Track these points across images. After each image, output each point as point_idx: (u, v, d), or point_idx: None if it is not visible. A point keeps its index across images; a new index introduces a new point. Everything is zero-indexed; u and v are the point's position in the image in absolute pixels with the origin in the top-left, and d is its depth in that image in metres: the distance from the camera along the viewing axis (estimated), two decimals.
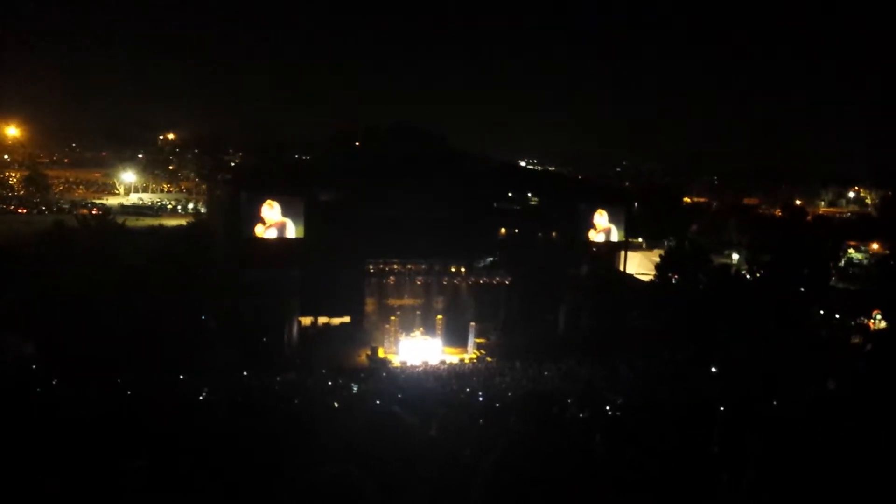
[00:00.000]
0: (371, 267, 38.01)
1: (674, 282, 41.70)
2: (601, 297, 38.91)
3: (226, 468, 5.46)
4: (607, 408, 16.48)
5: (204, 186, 75.70)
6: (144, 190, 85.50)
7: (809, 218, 72.85)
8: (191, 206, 76.14)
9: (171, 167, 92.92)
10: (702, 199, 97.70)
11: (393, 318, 37.36)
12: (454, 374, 30.97)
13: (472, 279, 39.90)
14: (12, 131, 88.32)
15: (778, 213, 78.88)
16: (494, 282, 40.20)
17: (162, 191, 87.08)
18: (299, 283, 35.25)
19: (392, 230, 36.89)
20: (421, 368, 33.18)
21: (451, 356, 36.12)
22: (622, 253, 42.95)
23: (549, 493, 2.80)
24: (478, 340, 37.53)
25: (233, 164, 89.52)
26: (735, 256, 59.62)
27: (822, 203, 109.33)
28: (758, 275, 44.10)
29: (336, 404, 16.40)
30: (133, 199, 79.81)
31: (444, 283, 39.27)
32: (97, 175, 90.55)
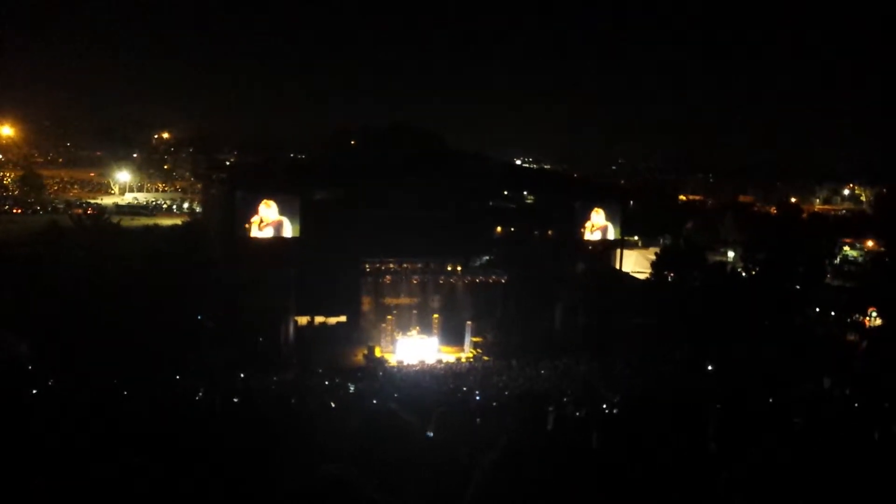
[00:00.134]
0: (367, 266, 37.95)
1: (670, 280, 41.75)
2: (597, 295, 38.92)
3: (223, 467, 5.46)
4: (604, 405, 16.52)
5: (199, 186, 75.50)
6: (139, 189, 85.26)
7: (805, 215, 73.03)
8: (186, 205, 75.96)
9: (166, 166, 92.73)
10: (697, 197, 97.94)
11: (389, 317, 37.33)
12: (451, 373, 30.98)
13: (469, 278, 39.86)
14: (7, 131, 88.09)
15: (773, 210, 79.10)
16: (491, 280, 40.18)
17: (157, 190, 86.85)
18: (296, 282, 35.17)
19: (388, 229, 36.87)
20: (418, 367, 33.17)
21: (448, 355, 36.10)
22: (618, 251, 42.95)
23: (546, 493, 2.81)
24: (474, 339, 37.51)
25: (228, 163, 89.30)
26: (730, 254, 59.63)
27: (818, 201, 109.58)
28: (753, 272, 44.14)
29: (333, 404, 16.39)
30: (128, 198, 79.58)
31: (441, 281, 39.24)
32: (92, 174, 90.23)
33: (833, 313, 40.94)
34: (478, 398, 21.09)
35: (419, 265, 39.10)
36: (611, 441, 6.47)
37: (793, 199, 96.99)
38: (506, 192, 46.00)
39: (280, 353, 33.76)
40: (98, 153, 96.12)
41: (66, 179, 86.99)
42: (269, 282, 33.85)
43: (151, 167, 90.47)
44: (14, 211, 65.13)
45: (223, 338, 31.04)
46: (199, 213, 66.25)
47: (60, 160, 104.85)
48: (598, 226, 40.88)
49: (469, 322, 37.48)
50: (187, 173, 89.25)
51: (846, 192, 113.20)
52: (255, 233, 34.66)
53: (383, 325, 37.08)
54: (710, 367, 29.00)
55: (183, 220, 59.56)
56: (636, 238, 63.53)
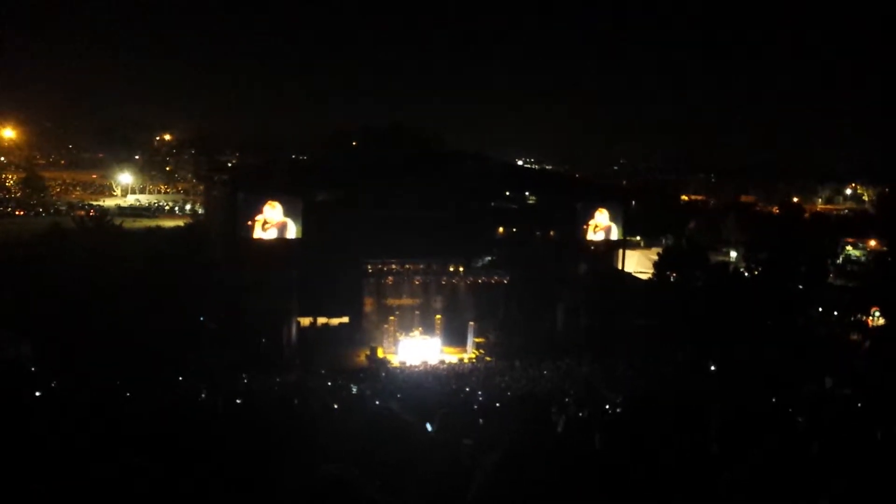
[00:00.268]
0: (369, 267, 37.97)
1: (672, 280, 41.73)
2: (599, 296, 38.92)
3: (225, 468, 5.46)
4: (606, 406, 16.49)
5: (201, 187, 75.58)
6: (141, 191, 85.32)
7: (807, 215, 72.99)
8: (188, 207, 76.02)
9: (167, 168, 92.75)
10: (699, 197, 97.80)
11: (392, 317, 37.34)
12: (453, 374, 30.98)
13: (471, 278, 39.87)
14: (8, 133, 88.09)
15: (775, 210, 79.01)
16: (493, 281, 40.18)
17: (159, 192, 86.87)
18: (298, 283, 35.20)
19: (390, 230, 36.91)
20: (420, 368, 33.18)
21: (450, 356, 36.11)
22: (620, 251, 42.96)
23: (548, 494, 2.80)
24: (477, 340, 37.52)
25: (230, 164, 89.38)
26: (733, 254, 59.60)
27: (820, 200, 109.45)
28: (756, 272, 44.12)
29: (336, 405, 16.39)
30: (130, 200, 79.65)
31: (443, 282, 39.24)
32: (94, 176, 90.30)
33: (836, 313, 40.90)
34: (480, 399, 21.08)
35: (421, 266, 39.12)
36: (613, 442, 6.46)
37: (795, 199, 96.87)
38: (507, 193, 46.02)
39: (282, 354, 33.78)
40: (100, 155, 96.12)
41: (68, 181, 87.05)
42: (272, 283, 33.89)
43: (153, 169, 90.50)
44: (16, 213, 65.19)
45: (225, 339, 31.07)
46: (201, 214, 66.31)
47: (62, 162, 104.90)
48: (601, 226, 40.87)
49: (471, 323, 37.48)
50: (189, 175, 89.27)
51: (848, 191, 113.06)
52: (257, 234, 34.67)
53: (386, 325, 37.10)
54: (712, 368, 28.98)
55: (185, 221, 59.66)
56: (638, 238, 63.51)
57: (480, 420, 10.89)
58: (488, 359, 35.06)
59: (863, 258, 58.46)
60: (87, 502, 4.53)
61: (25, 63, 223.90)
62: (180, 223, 57.75)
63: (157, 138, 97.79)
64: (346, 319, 38.63)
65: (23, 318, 26.15)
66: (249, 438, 7.28)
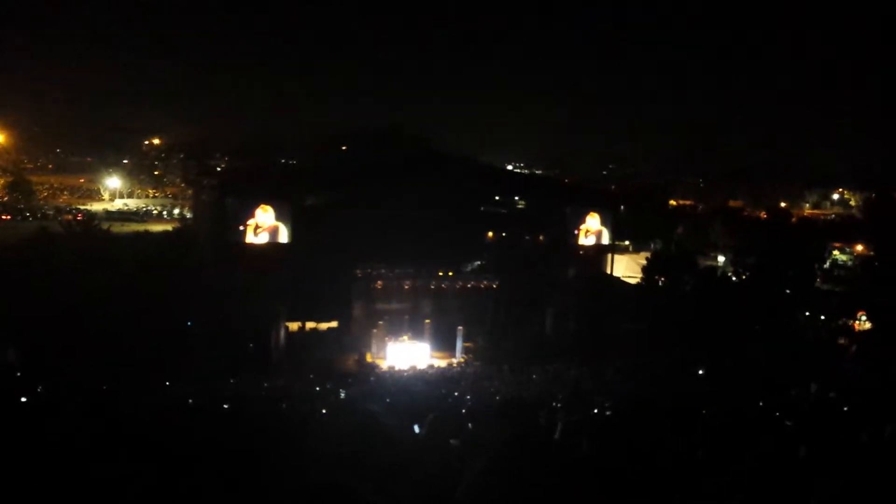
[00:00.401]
0: (358, 271, 37.93)
1: (660, 284, 41.89)
2: (588, 301, 39.00)
3: (214, 473, 5.44)
4: (595, 410, 16.51)
5: (190, 191, 75.37)
6: (129, 195, 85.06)
7: (794, 220, 73.41)
8: (176, 211, 75.82)
9: (156, 172, 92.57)
10: (687, 202, 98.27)
11: (381, 322, 37.29)
12: (442, 379, 30.95)
13: (460, 283, 39.88)
14: None
15: (763, 215, 79.44)
16: (482, 286, 40.21)
17: (147, 196, 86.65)
18: (286, 288, 35.11)
19: (379, 234, 36.85)
20: (409, 373, 33.14)
21: (439, 360, 36.08)
22: (609, 256, 43.08)
23: (536, 497, 2.81)
24: (466, 344, 37.51)
25: (219, 168, 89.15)
26: (721, 259, 59.93)
27: (807, 205, 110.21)
28: (743, 277, 44.37)
29: (324, 410, 16.35)
30: (118, 204, 79.35)
31: (432, 287, 39.22)
32: (82, 180, 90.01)
33: (823, 317, 41.14)
34: (469, 403, 21.07)
35: (410, 270, 39.11)
36: (602, 446, 6.47)
37: (782, 204, 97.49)
38: (497, 197, 46.03)
39: (270, 358, 33.68)
40: (88, 159, 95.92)
41: (55, 185, 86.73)
42: (260, 287, 33.79)
43: (142, 173, 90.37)
44: (3, 217, 64.83)
45: (213, 344, 30.96)
46: (189, 219, 66.12)
47: (50, 166, 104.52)
48: (592, 230, 41.00)
49: (460, 327, 37.46)
50: (178, 179, 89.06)
51: (835, 196, 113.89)
52: (249, 238, 34.58)
53: (374, 330, 37.03)
54: (700, 372, 29.08)
55: (173, 225, 59.49)
56: (627, 243, 63.75)
57: (469, 424, 10.89)
58: (477, 363, 35.04)
59: (850, 263, 58.90)
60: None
61: (13, 66, 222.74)
62: (169, 228, 57.54)
63: (146, 142, 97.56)
64: (334, 324, 38.54)
65: (8, 323, 25.96)
66: (238, 443, 7.26)
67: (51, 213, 66.84)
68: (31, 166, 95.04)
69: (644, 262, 44.28)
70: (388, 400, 20.37)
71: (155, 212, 76.13)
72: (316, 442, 5.70)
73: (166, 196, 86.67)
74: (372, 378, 31.17)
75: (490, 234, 45.57)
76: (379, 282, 38.36)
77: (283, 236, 34.97)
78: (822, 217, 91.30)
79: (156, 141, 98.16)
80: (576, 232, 40.69)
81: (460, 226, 41.17)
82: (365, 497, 2.60)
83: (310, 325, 38.13)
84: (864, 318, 39.78)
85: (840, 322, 40.55)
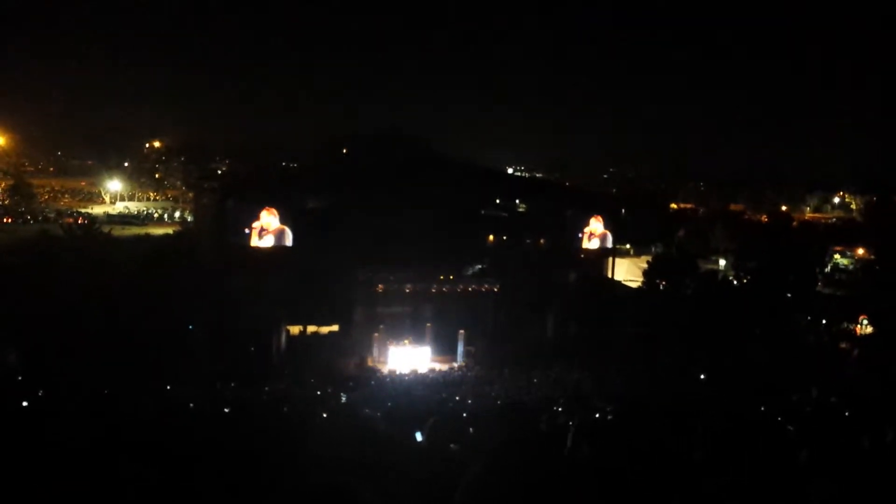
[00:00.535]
0: (359, 275, 37.91)
1: (661, 288, 41.88)
2: (589, 304, 38.99)
3: (215, 477, 5.44)
4: (596, 414, 16.50)
5: (191, 195, 75.39)
6: (130, 198, 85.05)
7: (795, 224, 73.49)
8: (177, 214, 75.83)
9: (157, 175, 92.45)
10: (688, 206, 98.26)
11: (382, 326, 37.26)
12: (443, 382, 30.94)
13: (461, 287, 39.86)
14: None
15: (764, 219, 79.46)
16: (483, 289, 40.17)
17: (148, 199, 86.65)
18: (287, 291, 35.11)
19: (380, 237, 36.87)
20: (410, 377, 33.11)
21: (441, 364, 36.05)
22: (610, 259, 43.09)
23: (535, 500, 2.80)
24: (467, 348, 37.47)
25: (219, 171, 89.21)
26: (722, 262, 59.89)
27: (808, 209, 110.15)
28: (744, 281, 44.36)
29: (325, 414, 16.34)
30: (119, 207, 79.39)
31: (433, 290, 39.18)
32: (83, 184, 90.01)
33: (824, 321, 41.11)
34: (470, 407, 21.06)
35: (412, 274, 39.09)
36: (602, 449, 6.47)
37: (783, 208, 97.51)
38: (498, 201, 46.07)
39: (271, 362, 33.66)
40: (89, 162, 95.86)
41: (56, 188, 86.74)
42: (261, 291, 33.80)
43: (142, 176, 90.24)
44: (4, 220, 64.84)
45: (214, 347, 30.97)
46: (190, 222, 66.12)
47: (51, 169, 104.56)
48: (597, 233, 41.03)
49: (461, 331, 37.43)
50: (178, 182, 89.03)
51: (836, 200, 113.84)
52: (254, 241, 34.60)
53: (375, 334, 36.99)
54: (702, 376, 29.07)
55: (174, 229, 59.50)
56: (628, 246, 63.74)
57: (471, 429, 10.88)
58: (478, 367, 35.01)
59: (851, 267, 58.84)
60: None
61: (13, 69, 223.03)
62: (169, 231, 57.61)
63: (147, 145, 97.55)
64: (335, 328, 38.51)
65: (10, 325, 25.99)
66: (239, 446, 7.27)
67: (52, 216, 66.86)
68: (32, 169, 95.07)
69: (645, 265, 44.30)
70: (388, 404, 20.36)
71: (156, 215, 76.16)
72: (316, 446, 5.70)
73: (167, 199, 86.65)
74: (373, 382, 31.16)
75: (491, 237, 45.60)
76: (380, 285, 38.34)
77: (289, 239, 35.01)
78: (823, 221, 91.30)
79: (156, 144, 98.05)
80: (580, 235, 40.69)
81: (461, 229, 41.22)
82: (365, 499, 2.60)
83: (311, 328, 38.10)
84: (865, 322, 39.74)
85: (841, 326, 40.53)
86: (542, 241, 44.10)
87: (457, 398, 24.66)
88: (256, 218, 34.69)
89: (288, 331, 36.41)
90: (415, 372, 33.96)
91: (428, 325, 37.71)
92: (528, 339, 38.33)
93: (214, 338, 32.38)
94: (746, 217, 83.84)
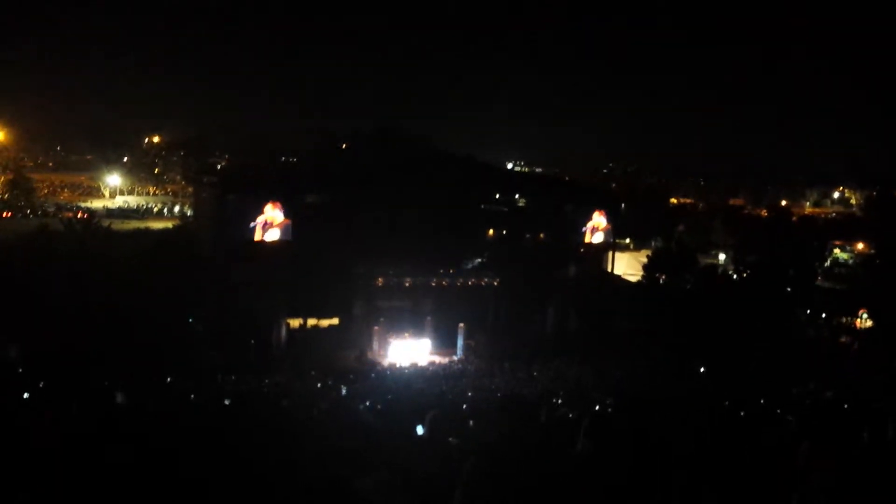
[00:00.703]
0: (360, 269, 37.90)
1: (661, 282, 41.91)
2: (589, 298, 39.00)
3: (218, 470, 5.44)
4: (596, 407, 16.54)
5: (190, 189, 75.28)
6: (130, 193, 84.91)
7: (795, 218, 73.43)
8: (177, 208, 75.77)
9: (156, 170, 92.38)
10: (688, 200, 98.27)
11: (382, 319, 37.26)
12: (443, 376, 30.97)
13: (461, 281, 39.85)
14: None
15: (763, 213, 79.46)
16: (483, 283, 40.16)
17: (147, 194, 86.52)
18: (287, 285, 35.11)
19: (380, 232, 36.86)
20: (410, 369, 33.14)
21: (440, 358, 36.07)
22: (610, 254, 43.08)
23: (534, 493, 2.81)
24: (467, 342, 37.49)
25: (219, 166, 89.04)
26: (721, 257, 59.93)
27: (808, 203, 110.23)
28: (744, 275, 44.36)
29: (325, 407, 16.36)
30: (118, 202, 79.25)
31: (433, 284, 39.16)
32: (82, 178, 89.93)
33: (824, 315, 41.15)
34: (470, 400, 21.10)
35: (411, 268, 39.08)
36: (601, 443, 6.48)
37: (783, 202, 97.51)
38: (497, 195, 45.99)
39: (272, 355, 33.67)
40: (88, 157, 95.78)
41: (56, 183, 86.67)
42: (261, 284, 33.80)
43: (142, 171, 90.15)
44: (4, 215, 64.77)
45: (214, 340, 30.99)
46: (189, 216, 66.05)
47: (50, 164, 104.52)
48: (601, 228, 41.01)
49: (461, 325, 37.44)
50: (178, 177, 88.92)
51: (836, 194, 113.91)
52: (258, 235, 34.62)
53: (376, 327, 37.01)
54: (701, 370, 29.11)
55: (174, 223, 59.44)
56: (628, 241, 63.77)
57: (471, 422, 10.90)
58: (478, 360, 35.03)
59: (850, 261, 58.87)
60: (78, 501, 4.52)
61: (13, 64, 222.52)
62: (169, 225, 57.57)
63: (146, 140, 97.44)
64: (335, 321, 38.52)
65: (9, 319, 25.99)
66: (238, 439, 7.27)
67: (51, 210, 66.76)
68: (32, 164, 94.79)
69: (645, 259, 44.31)
70: (389, 397, 20.39)
71: (155, 209, 76.08)
72: (317, 439, 5.71)
73: (166, 193, 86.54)
74: (373, 375, 31.18)
75: (491, 231, 45.57)
76: (380, 279, 38.32)
77: (292, 233, 35.05)
78: (822, 215, 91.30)
79: (156, 139, 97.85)
80: (583, 230, 40.68)
81: (461, 223, 41.20)
82: (364, 493, 2.61)
83: (311, 321, 38.11)
84: (865, 316, 39.79)
85: (841, 320, 40.58)
86: (541, 235, 44.06)
87: (457, 391, 24.69)
88: (261, 212, 34.66)
89: (288, 324, 36.42)
90: (415, 365, 33.99)
91: (428, 318, 37.72)
92: (528, 332, 38.37)
93: (215, 331, 32.40)
94: (746, 212, 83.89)
